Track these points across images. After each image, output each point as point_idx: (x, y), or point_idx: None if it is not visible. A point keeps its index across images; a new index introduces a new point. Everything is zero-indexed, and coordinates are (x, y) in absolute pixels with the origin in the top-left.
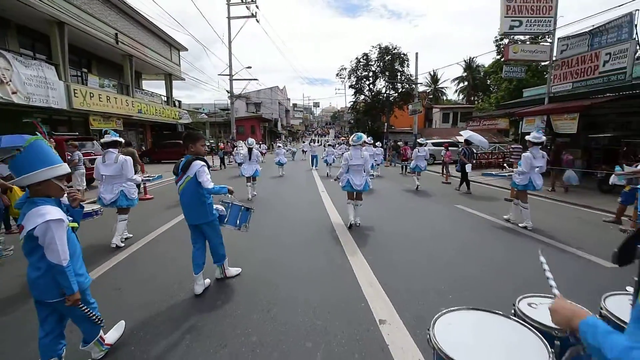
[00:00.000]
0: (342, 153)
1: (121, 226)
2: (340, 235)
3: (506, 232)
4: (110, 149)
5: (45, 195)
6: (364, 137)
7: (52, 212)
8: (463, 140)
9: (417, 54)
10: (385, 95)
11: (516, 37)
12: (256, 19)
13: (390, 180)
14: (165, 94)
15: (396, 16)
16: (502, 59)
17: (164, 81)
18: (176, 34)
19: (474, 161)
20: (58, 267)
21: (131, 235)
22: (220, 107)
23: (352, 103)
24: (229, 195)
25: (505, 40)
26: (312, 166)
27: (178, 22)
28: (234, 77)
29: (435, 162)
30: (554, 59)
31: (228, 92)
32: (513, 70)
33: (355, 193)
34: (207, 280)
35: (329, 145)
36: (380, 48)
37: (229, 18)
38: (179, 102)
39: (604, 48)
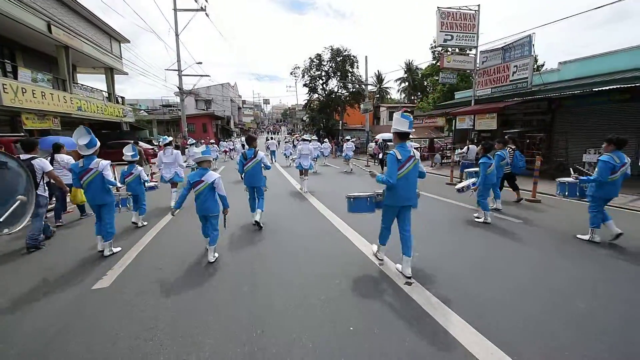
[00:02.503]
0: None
1: (175, 195)
2: (311, 197)
3: None
4: (168, 147)
5: (207, 167)
6: (307, 136)
7: (216, 173)
8: (381, 139)
9: (366, 57)
10: (337, 94)
11: (449, 48)
12: (206, 13)
13: (334, 166)
14: (106, 90)
15: (341, 16)
16: (437, 64)
17: (103, 75)
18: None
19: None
20: (224, 196)
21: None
22: (160, 103)
23: (306, 101)
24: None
25: (439, 48)
26: (273, 160)
27: (135, 11)
28: (183, 73)
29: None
30: (477, 68)
31: (178, 88)
32: (447, 77)
33: (304, 171)
34: (258, 217)
35: (286, 142)
36: (332, 49)
37: (175, 10)
38: (122, 98)
39: (512, 61)
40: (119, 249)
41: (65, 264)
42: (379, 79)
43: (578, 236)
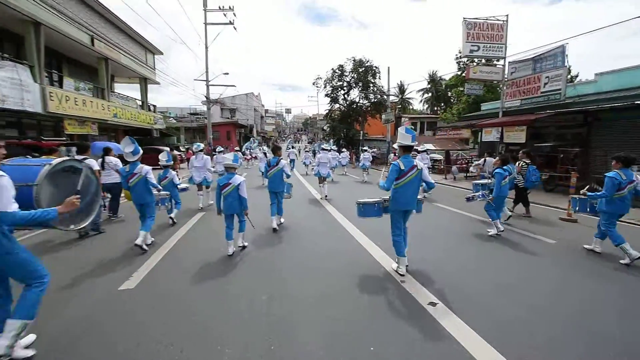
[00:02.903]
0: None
1: (202, 198)
2: (327, 205)
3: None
4: (199, 152)
5: (233, 172)
6: (327, 145)
7: (241, 177)
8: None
9: (388, 68)
10: (358, 104)
11: (475, 59)
12: (234, 27)
13: (352, 175)
14: (140, 98)
15: (364, 27)
16: (461, 74)
17: (137, 84)
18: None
19: None
20: (244, 198)
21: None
22: (188, 111)
23: (327, 111)
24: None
25: (464, 59)
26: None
27: (170, 26)
28: (210, 83)
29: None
30: (505, 79)
31: (205, 97)
32: (473, 88)
33: (322, 178)
34: (276, 224)
35: (306, 151)
36: (354, 60)
37: (206, 24)
38: (154, 106)
39: (543, 72)
40: (147, 247)
41: (96, 263)
42: (401, 89)
43: (621, 262)
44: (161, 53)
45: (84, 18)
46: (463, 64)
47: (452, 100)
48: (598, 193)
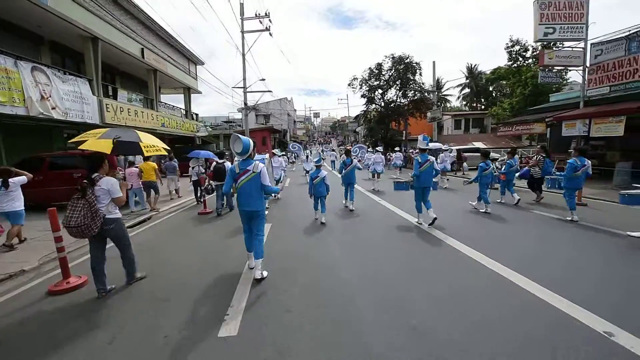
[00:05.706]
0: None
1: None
2: (373, 195)
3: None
4: (275, 155)
5: (320, 168)
6: (379, 148)
7: (325, 171)
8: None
9: (434, 62)
10: (397, 104)
11: (547, 43)
12: (269, 33)
13: (387, 175)
14: (184, 107)
15: (391, 27)
16: (512, 65)
17: (181, 95)
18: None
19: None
20: (328, 185)
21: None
22: (221, 120)
23: (362, 112)
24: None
25: (517, 47)
26: (332, 169)
27: (231, 34)
28: (247, 90)
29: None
30: (589, 64)
31: (244, 104)
32: (548, 76)
33: (378, 174)
34: (352, 207)
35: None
36: (393, 58)
37: (243, 32)
38: (196, 115)
39: None
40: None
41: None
42: (438, 86)
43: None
44: (203, 63)
45: (135, 31)
46: (515, 54)
47: (493, 95)
48: None
